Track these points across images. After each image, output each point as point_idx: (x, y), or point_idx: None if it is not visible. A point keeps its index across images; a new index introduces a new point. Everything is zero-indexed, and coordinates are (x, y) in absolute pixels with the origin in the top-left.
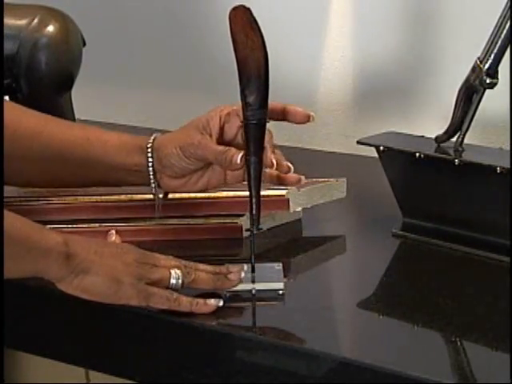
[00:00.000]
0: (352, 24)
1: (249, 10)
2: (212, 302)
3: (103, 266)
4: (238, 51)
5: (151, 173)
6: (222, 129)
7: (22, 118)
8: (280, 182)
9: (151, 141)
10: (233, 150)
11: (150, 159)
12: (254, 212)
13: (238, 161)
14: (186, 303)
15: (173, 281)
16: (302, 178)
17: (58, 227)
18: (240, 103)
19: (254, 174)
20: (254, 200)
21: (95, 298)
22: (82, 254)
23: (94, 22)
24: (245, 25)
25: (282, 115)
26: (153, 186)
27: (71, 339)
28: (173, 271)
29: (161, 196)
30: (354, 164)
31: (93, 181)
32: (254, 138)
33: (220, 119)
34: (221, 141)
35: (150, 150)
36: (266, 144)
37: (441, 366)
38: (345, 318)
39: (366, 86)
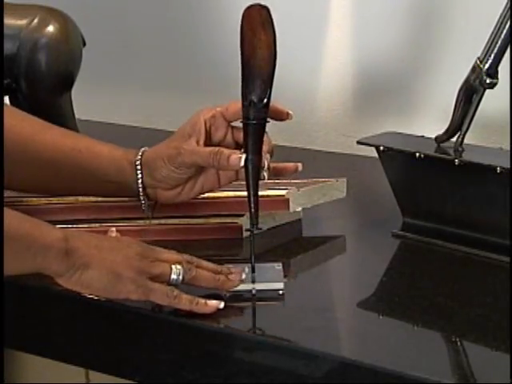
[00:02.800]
0: (352, 24)
1: (265, 8)
2: (213, 303)
3: (103, 260)
4: (244, 49)
5: (140, 189)
6: (208, 132)
7: (17, 123)
8: (278, 173)
9: (139, 157)
10: (224, 150)
11: (140, 175)
12: (252, 211)
13: (242, 163)
14: (185, 301)
15: (173, 276)
16: (299, 165)
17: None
18: (232, 101)
19: (253, 173)
20: (252, 199)
21: (94, 292)
22: (82, 249)
23: (94, 21)
24: (255, 23)
25: None
26: (142, 202)
27: (71, 339)
28: (174, 266)
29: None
30: (353, 164)
31: (85, 191)
32: (253, 137)
33: (205, 123)
34: (209, 144)
35: (138, 166)
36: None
37: (441, 365)
38: (345, 318)
39: (366, 86)
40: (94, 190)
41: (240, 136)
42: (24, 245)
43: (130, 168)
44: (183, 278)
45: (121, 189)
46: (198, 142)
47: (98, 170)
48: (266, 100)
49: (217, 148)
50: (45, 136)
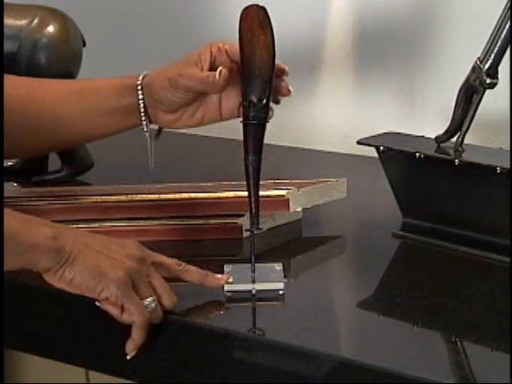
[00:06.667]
0: (352, 24)
1: (263, 8)
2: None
3: (88, 257)
4: (243, 49)
5: (142, 110)
6: (212, 63)
7: (11, 90)
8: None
9: (141, 78)
10: (217, 72)
11: (141, 96)
12: (253, 211)
13: (217, 75)
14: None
15: (146, 302)
16: (290, 88)
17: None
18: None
19: (253, 174)
20: (252, 199)
21: (76, 289)
22: (70, 246)
23: (94, 22)
24: (254, 23)
25: None
26: (144, 123)
27: (71, 339)
28: (151, 298)
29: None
30: (354, 164)
31: (93, 134)
32: (253, 137)
33: (211, 54)
34: None
35: (139, 87)
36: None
37: (441, 365)
38: (345, 318)
39: (366, 85)
40: (101, 128)
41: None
42: (12, 243)
43: (131, 90)
44: (153, 309)
45: (125, 116)
46: (200, 70)
47: (100, 104)
48: (265, 100)
49: (212, 72)
50: (43, 92)
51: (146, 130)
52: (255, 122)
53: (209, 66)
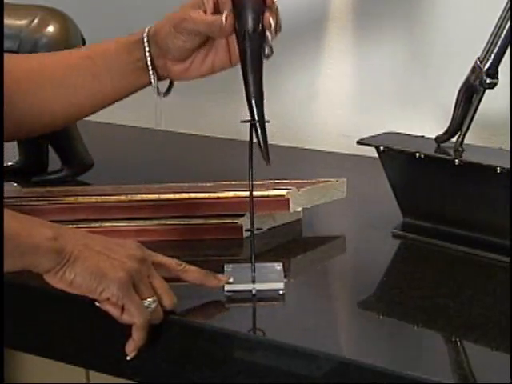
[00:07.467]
0: (351, 24)
1: None
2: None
3: (89, 258)
4: None
5: (149, 63)
6: (215, 3)
7: (23, 60)
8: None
9: (146, 31)
10: (223, 17)
11: (147, 48)
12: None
13: (223, 20)
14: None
15: (147, 302)
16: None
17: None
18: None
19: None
20: (261, 138)
21: (77, 289)
22: (71, 247)
23: (93, 22)
24: None
25: None
26: (151, 76)
27: (71, 339)
28: (151, 299)
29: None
30: (354, 164)
31: (105, 98)
32: (252, 70)
33: None
34: None
35: (146, 39)
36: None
37: (441, 365)
38: (345, 318)
39: (366, 85)
40: (114, 91)
41: None
42: (12, 245)
43: (138, 44)
44: (153, 310)
45: (137, 74)
46: (205, 12)
47: (111, 65)
48: (260, 28)
49: (219, 16)
50: (51, 64)
51: (153, 84)
52: (252, 54)
53: (212, 7)
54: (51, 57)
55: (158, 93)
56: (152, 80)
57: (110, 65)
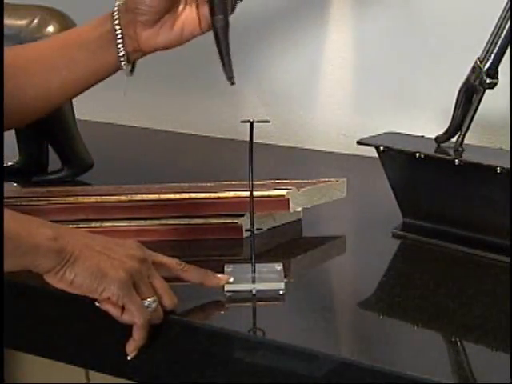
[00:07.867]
0: (351, 25)
1: None
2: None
3: (89, 258)
4: None
5: (118, 32)
6: None
7: (15, 52)
8: None
9: (117, 3)
10: None
11: (116, 16)
12: (226, 69)
13: None
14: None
15: (147, 302)
16: None
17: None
18: None
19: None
20: (225, 59)
21: (77, 289)
22: (71, 247)
23: None
24: None
25: None
26: (120, 46)
27: (71, 339)
28: (151, 299)
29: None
30: (353, 164)
31: (89, 79)
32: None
33: None
34: None
35: (116, 11)
36: None
37: (441, 365)
38: (345, 319)
39: (366, 85)
40: (94, 70)
41: None
42: (12, 245)
43: (108, 17)
44: (154, 309)
45: (105, 48)
46: None
47: (86, 44)
48: None
49: None
50: (30, 54)
51: (121, 54)
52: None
53: None
54: (25, 54)
55: (126, 69)
56: (121, 52)
57: (86, 45)
